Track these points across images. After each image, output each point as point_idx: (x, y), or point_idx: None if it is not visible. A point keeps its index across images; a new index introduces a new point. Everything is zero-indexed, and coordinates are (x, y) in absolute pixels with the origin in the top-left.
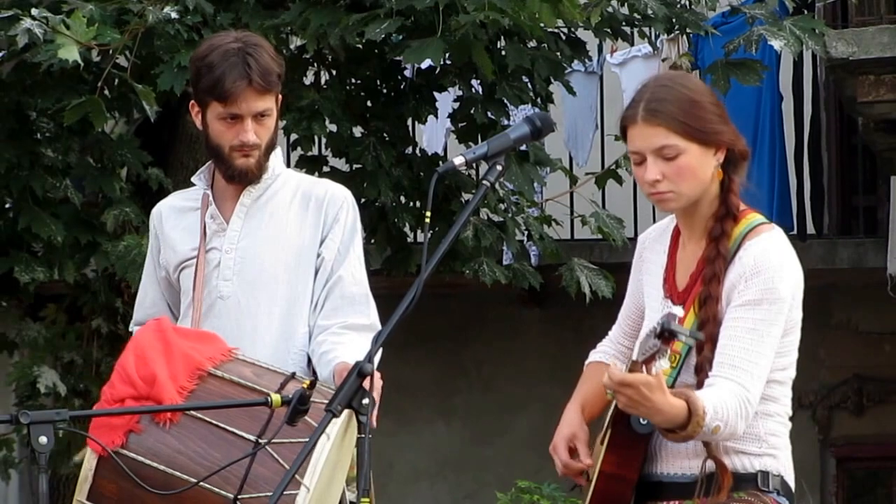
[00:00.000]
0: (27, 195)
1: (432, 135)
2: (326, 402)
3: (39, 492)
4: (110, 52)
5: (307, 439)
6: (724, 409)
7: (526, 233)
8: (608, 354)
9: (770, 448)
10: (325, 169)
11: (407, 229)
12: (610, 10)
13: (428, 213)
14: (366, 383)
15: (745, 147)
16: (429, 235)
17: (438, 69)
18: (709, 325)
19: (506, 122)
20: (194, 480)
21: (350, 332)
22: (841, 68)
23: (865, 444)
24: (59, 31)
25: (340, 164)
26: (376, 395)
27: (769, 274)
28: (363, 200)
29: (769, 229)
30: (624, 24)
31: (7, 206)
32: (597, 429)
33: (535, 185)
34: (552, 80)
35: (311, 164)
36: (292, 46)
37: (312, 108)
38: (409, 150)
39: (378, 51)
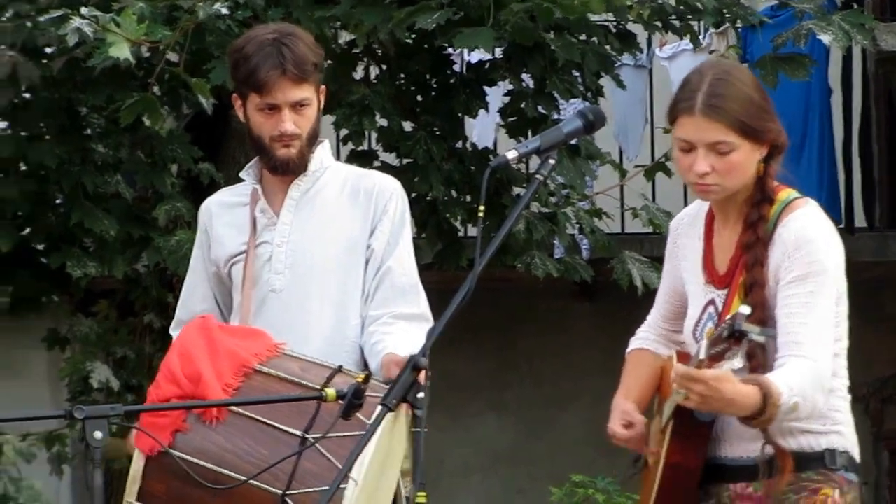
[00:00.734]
0: (79, 191)
1: (482, 129)
2: (377, 395)
3: (94, 486)
4: (161, 48)
5: (353, 432)
6: (799, 384)
7: (577, 226)
8: (649, 340)
9: (834, 424)
10: (376, 164)
11: (458, 223)
12: (660, 1)
13: (481, 207)
14: (420, 377)
15: (786, 140)
16: (481, 229)
17: (489, 63)
18: (757, 310)
19: (556, 117)
20: (241, 477)
21: (400, 322)
22: (890, 61)
23: None
24: (110, 30)
25: (391, 158)
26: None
27: (811, 247)
28: (414, 195)
29: (803, 204)
30: (673, 16)
31: (58, 201)
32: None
33: (586, 178)
34: (602, 73)
35: (361, 160)
36: (342, 41)
37: (362, 102)
38: (460, 144)
39: (428, 45)
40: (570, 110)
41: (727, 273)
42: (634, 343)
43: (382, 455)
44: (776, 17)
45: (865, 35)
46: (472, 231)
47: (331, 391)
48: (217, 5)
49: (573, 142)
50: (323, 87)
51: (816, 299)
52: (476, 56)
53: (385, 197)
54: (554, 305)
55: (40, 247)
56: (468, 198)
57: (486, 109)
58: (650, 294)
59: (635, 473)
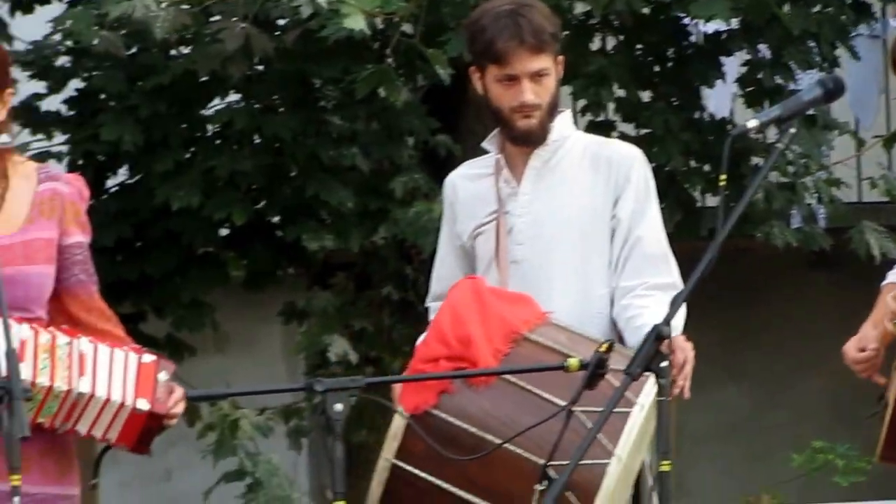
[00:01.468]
0: (314, 163)
1: (718, 99)
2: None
3: (335, 459)
4: (395, 19)
5: (621, 409)
6: None
7: (815, 196)
8: None
9: None
10: (614, 134)
11: (696, 193)
12: None
13: (723, 177)
14: (664, 346)
15: None
16: (722, 199)
17: (725, 34)
18: None
19: (792, 87)
20: (507, 445)
21: (655, 293)
22: None
23: None
24: (345, 1)
25: (629, 128)
26: (689, 366)
27: None
28: (653, 165)
29: None
30: None
31: (293, 174)
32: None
33: (823, 148)
34: (837, 44)
35: (599, 130)
36: (578, 12)
37: (600, 73)
38: (697, 114)
39: (664, 16)
40: (805, 81)
41: None
42: (890, 276)
43: (643, 432)
44: None
45: None
46: (711, 201)
47: (573, 361)
48: None
49: (809, 112)
50: (560, 57)
51: None
52: (712, 26)
53: (627, 165)
54: (791, 275)
55: (276, 220)
56: (706, 167)
57: (724, 79)
58: (887, 263)
59: (876, 413)
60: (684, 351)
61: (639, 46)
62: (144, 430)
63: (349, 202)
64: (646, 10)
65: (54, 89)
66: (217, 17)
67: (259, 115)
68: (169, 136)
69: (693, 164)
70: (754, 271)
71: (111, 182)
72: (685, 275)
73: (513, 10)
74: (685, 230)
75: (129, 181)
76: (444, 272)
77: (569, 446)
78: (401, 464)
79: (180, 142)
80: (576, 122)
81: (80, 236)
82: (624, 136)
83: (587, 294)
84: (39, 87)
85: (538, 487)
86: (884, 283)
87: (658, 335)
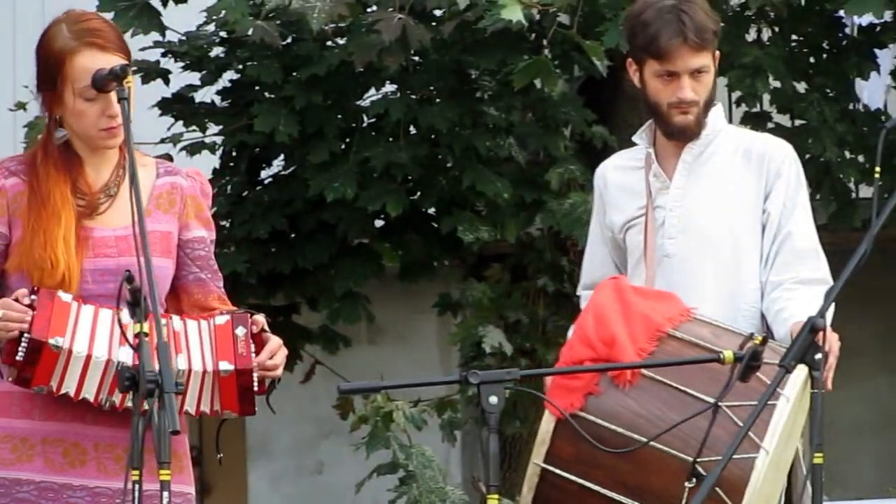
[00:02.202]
0: (470, 154)
1: (872, 91)
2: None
3: (490, 452)
4: (552, 10)
5: (766, 401)
6: None
7: None
8: None
9: None
10: (770, 125)
11: (851, 184)
12: None
13: (878, 168)
14: (818, 338)
15: None
16: (877, 190)
17: (879, 26)
18: None
19: None
20: (655, 444)
21: (803, 287)
22: None
23: None
24: None
25: (784, 120)
26: (833, 358)
27: None
28: (807, 156)
29: None
30: None
31: (449, 165)
32: None
33: None
34: None
35: (755, 121)
36: (734, 3)
37: (756, 65)
38: (851, 106)
39: (819, 8)
40: None
41: None
42: None
43: (790, 424)
44: None
45: None
46: (865, 192)
47: (728, 353)
48: None
49: None
50: (717, 51)
51: None
52: (866, 19)
53: (778, 160)
54: None
55: (431, 211)
56: (861, 158)
57: (878, 71)
58: None
59: None
60: (830, 342)
61: (794, 38)
62: (241, 390)
63: (505, 193)
64: (801, 2)
65: (208, 80)
66: (373, 8)
67: (415, 105)
68: (324, 126)
69: (847, 154)
70: None
71: (265, 173)
72: (840, 266)
73: (675, 6)
74: (840, 221)
75: (284, 172)
76: (595, 263)
77: (716, 442)
78: (550, 468)
79: (335, 133)
80: (730, 114)
81: (201, 231)
82: (779, 128)
83: (739, 288)
84: (193, 78)
85: (688, 485)
86: None
87: (813, 327)
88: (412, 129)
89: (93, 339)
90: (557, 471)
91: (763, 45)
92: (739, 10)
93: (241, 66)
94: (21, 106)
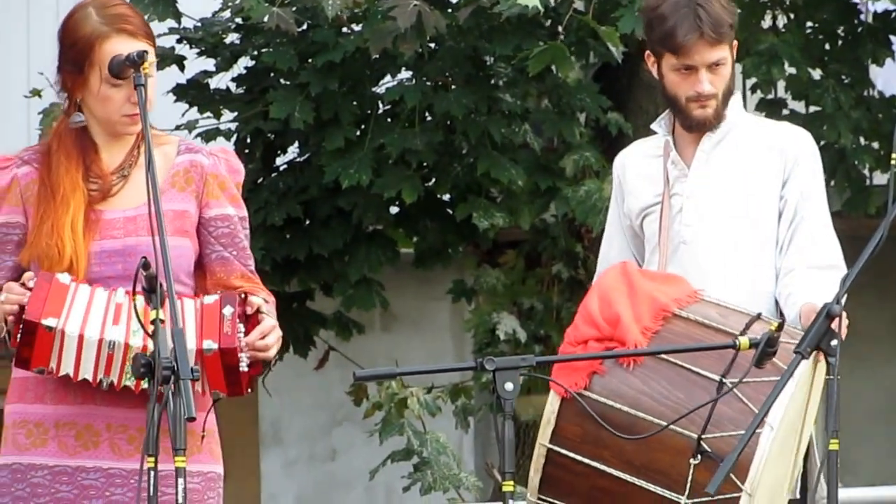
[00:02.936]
0: (485, 140)
1: (887, 78)
2: (794, 342)
3: (505, 439)
4: None
5: (771, 378)
6: None
7: None
8: None
9: None
10: (785, 112)
11: (865, 171)
12: None
13: (893, 155)
14: (834, 325)
15: None
16: (892, 176)
17: (895, 13)
18: None
19: None
20: (659, 421)
21: (816, 273)
22: None
23: None
24: None
25: (799, 106)
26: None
27: None
28: (822, 143)
29: None
30: None
31: (464, 151)
32: None
33: None
34: None
35: (770, 108)
36: None
37: (771, 51)
38: (867, 92)
39: None
40: None
41: None
42: None
43: (800, 403)
44: None
45: None
46: (880, 178)
47: (744, 340)
48: None
49: None
50: (735, 42)
51: None
52: (882, 5)
53: (796, 147)
54: None
55: (446, 197)
56: (875, 145)
57: (893, 58)
58: None
59: None
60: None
61: (809, 24)
62: (226, 369)
63: (520, 180)
64: None
65: (223, 67)
66: None
67: (430, 92)
68: (339, 113)
69: (862, 141)
70: None
71: (280, 160)
72: (854, 253)
73: (692, 0)
74: (854, 208)
75: (299, 159)
76: (612, 251)
77: (721, 419)
78: (556, 448)
79: (351, 119)
80: (745, 100)
81: (225, 208)
82: (794, 114)
83: (756, 274)
84: (208, 64)
85: (693, 462)
86: None
87: (828, 314)
88: (427, 116)
89: (86, 319)
90: (564, 451)
91: (778, 31)
92: None
93: (256, 53)
94: (36, 93)
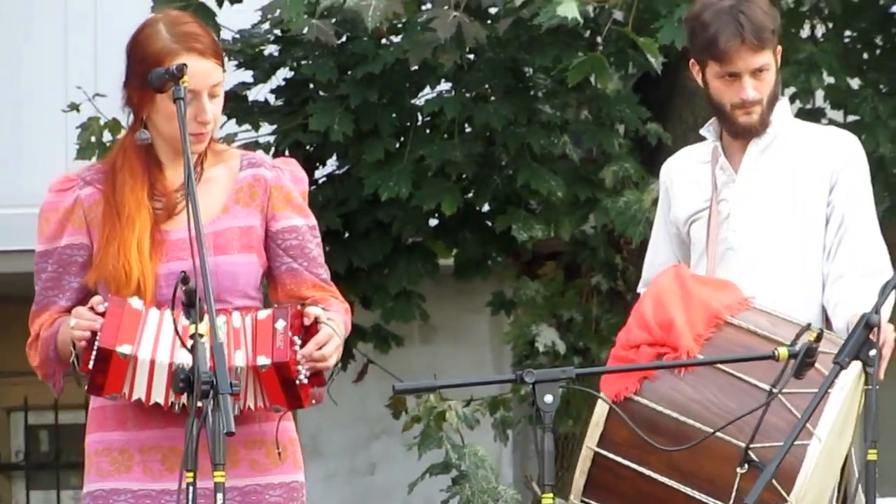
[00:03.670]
0: (525, 152)
1: None
2: (832, 352)
3: (545, 451)
4: (607, 7)
5: (822, 396)
6: None
7: None
8: None
9: None
10: (823, 121)
11: None
12: None
13: None
14: (872, 335)
15: None
16: None
17: None
18: None
19: None
20: (707, 429)
21: (864, 280)
22: None
23: None
24: None
25: (838, 116)
26: (887, 349)
27: None
28: None
29: None
30: None
31: (503, 163)
32: None
33: None
34: None
35: (809, 117)
36: None
37: (810, 61)
38: None
39: (873, 2)
40: None
41: None
42: None
43: (844, 414)
44: None
45: None
46: None
47: (783, 350)
48: None
49: None
50: (779, 47)
51: None
52: None
53: (844, 152)
54: None
55: (485, 209)
56: None
57: None
58: None
59: None
60: (884, 333)
61: (848, 33)
62: (284, 384)
63: (559, 191)
64: None
65: (261, 79)
66: (428, 6)
67: (470, 103)
68: (379, 125)
69: None
70: None
71: (319, 173)
72: (895, 261)
73: (734, 7)
74: (893, 216)
75: (338, 171)
76: (658, 258)
77: (769, 429)
78: (603, 452)
79: (390, 131)
80: None
81: (293, 220)
82: (832, 124)
83: (804, 280)
84: (246, 76)
85: (740, 471)
86: None
87: (867, 323)
88: (467, 127)
89: (157, 343)
90: (611, 455)
91: (817, 41)
92: (794, 5)
93: (295, 65)
94: (74, 107)
